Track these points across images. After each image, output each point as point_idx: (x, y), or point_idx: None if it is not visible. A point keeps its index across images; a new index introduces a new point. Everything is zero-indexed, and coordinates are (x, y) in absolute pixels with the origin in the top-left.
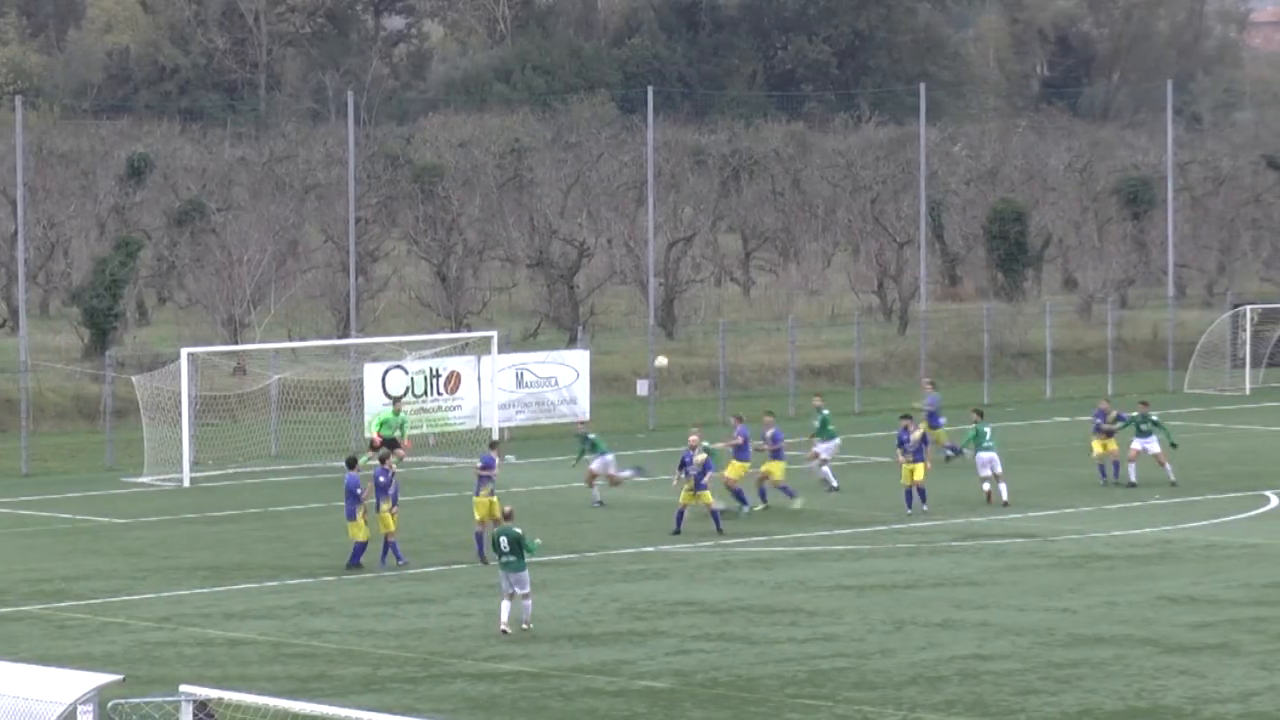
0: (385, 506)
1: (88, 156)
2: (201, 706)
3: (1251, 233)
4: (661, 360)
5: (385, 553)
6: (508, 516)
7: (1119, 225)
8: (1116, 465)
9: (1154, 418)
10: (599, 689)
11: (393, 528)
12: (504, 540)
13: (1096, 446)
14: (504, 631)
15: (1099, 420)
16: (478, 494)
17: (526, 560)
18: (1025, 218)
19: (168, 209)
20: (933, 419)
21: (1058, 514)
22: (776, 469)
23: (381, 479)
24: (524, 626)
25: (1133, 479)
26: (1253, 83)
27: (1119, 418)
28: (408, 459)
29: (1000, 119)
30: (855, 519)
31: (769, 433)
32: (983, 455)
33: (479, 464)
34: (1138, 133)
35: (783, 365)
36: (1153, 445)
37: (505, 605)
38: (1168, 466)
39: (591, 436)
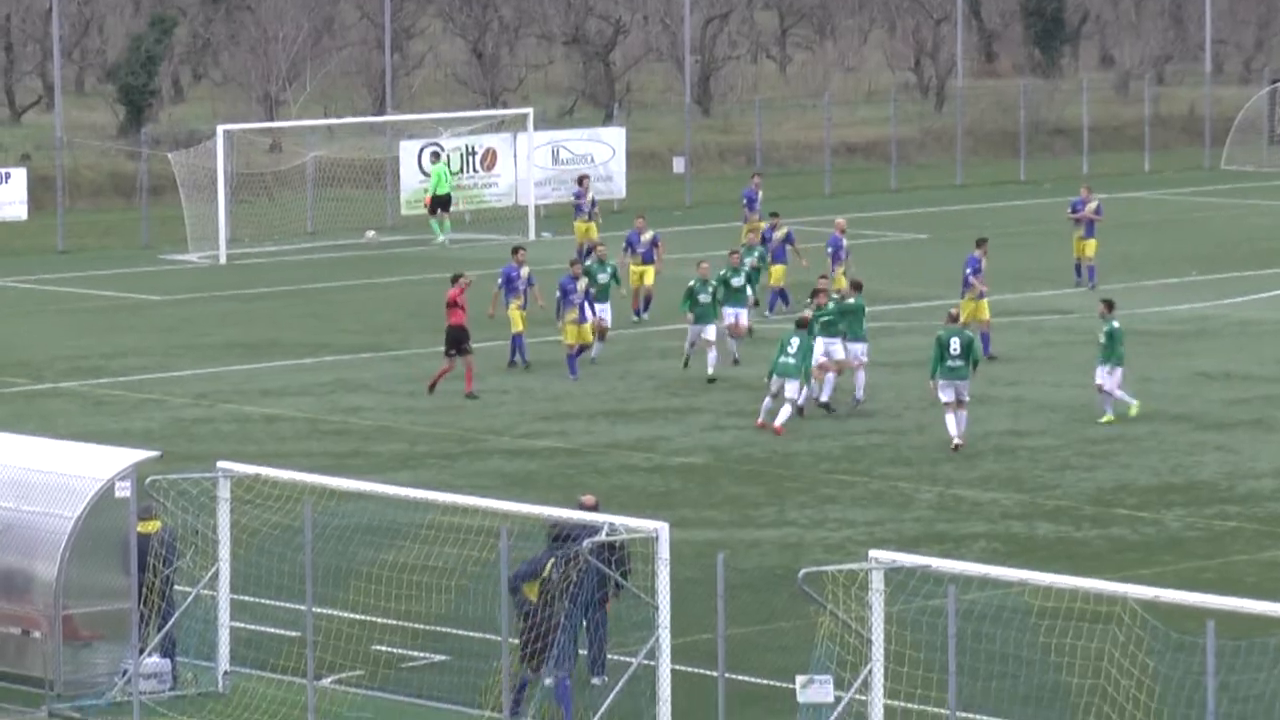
0: (515, 304)
1: None
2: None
3: None
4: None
5: (513, 352)
6: (954, 319)
7: (1156, 0)
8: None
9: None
10: (635, 465)
11: (521, 327)
12: (955, 342)
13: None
14: (956, 448)
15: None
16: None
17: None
18: None
19: None
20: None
21: (1092, 291)
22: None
23: (513, 275)
24: (959, 442)
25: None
26: None
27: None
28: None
29: None
30: (891, 295)
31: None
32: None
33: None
34: None
35: (818, 142)
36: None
37: (951, 418)
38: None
39: (610, 265)
